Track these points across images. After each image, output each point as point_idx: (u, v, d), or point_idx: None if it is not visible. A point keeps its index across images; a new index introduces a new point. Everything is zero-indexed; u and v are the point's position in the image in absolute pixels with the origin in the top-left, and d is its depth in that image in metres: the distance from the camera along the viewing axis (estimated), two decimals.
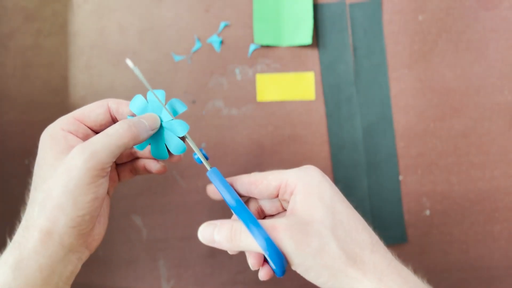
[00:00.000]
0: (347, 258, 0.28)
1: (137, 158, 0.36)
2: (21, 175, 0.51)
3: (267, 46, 0.51)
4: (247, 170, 0.50)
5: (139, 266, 0.50)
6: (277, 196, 0.32)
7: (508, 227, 0.50)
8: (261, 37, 0.50)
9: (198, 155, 0.33)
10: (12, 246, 0.28)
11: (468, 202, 0.50)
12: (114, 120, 0.33)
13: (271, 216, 0.35)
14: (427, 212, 0.50)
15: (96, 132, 0.32)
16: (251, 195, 0.33)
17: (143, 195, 0.51)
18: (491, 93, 0.50)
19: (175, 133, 0.32)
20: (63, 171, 0.28)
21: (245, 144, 0.50)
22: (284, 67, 0.51)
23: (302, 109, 0.50)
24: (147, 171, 0.35)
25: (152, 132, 0.31)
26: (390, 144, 0.50)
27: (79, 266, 0.31)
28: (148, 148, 0.34)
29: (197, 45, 0.51)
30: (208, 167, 0.32)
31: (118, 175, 0.36)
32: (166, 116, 0.32)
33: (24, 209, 0.30)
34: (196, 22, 0.51)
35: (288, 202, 0.32)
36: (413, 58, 0.50)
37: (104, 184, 0.29)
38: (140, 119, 0.31)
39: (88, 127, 0.32)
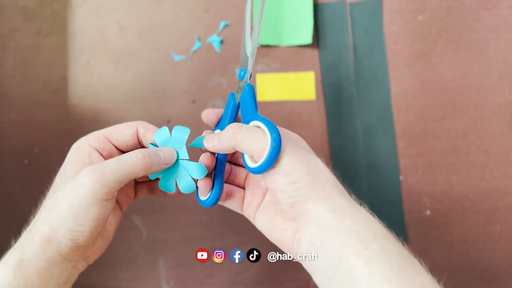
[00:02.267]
0: (330, 178, 0.29)
1: (157, 178, 0.36)
2: (21, 175, 0.51)
3: (267, 46, 0.50)
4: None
5: (139, 266, 0.50)
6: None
7: (509, 227, 0.50)
8: (261, 37, 0.50)
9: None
10: (15, 247, 0.29)
11: (469, 202, 0.50)
12: (140, 144, 0.34)
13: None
14: (428, 212, 0.50)
15: (122, 152, 0.33)
16: None
17: None
18: (491, 93, 0.50)
19: (191, 173, 0.33)
20: (72, 187, 0.29)
21: None
22: (284, 67, 0.50)
23: (302, 109, 0.50)
24: (163, 192, 0.36)
25: (165, 167, 0.32)
26: (390, 144, 0.50)
27: (76, 274, 0.32)
28: None
29: (197, 45, 0.51)
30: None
31: (136, 192, 0.36)
32: (184, 154, 0.33)
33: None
34: (196, 22, 0.51)
35: None
36: (413, 58, 0.50)
37: (107, 206, 0.29)
38: (158, 152, 0.31)
39: (115, 146, 0.33)
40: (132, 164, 0.29)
